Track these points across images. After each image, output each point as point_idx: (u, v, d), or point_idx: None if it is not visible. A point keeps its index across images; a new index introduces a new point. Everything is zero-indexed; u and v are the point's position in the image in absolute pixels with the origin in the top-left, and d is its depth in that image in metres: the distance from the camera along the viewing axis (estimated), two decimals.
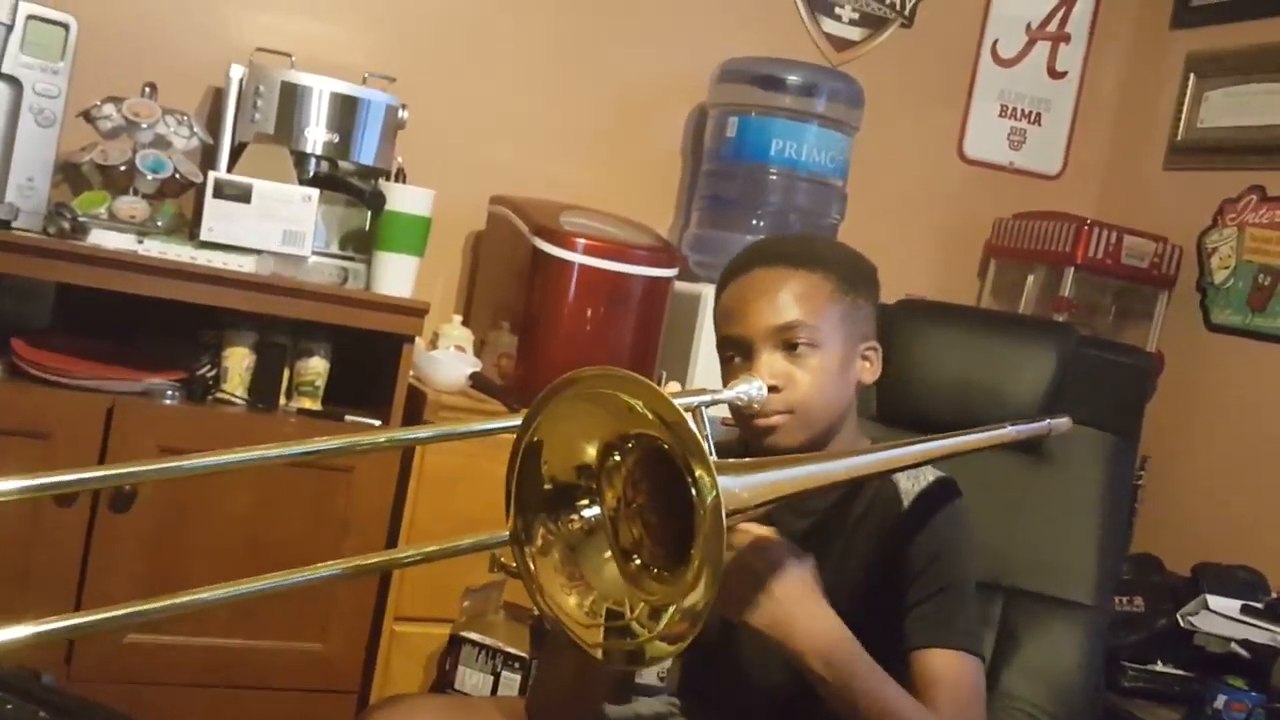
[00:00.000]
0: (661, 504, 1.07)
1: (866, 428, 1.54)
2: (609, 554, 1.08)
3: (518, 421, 1.08)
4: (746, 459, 1.10)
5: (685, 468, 0.99)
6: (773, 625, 1.21)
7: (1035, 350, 1.87)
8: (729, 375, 1.41)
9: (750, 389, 1.30)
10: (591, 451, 1.07)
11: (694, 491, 0.98)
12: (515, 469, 1.08)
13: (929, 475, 1.44)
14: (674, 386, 1.24)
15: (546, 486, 1.08)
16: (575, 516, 1.08)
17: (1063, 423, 1.67)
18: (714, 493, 0.96)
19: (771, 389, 1.35)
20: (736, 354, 1.40)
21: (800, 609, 1.22)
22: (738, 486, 1.06)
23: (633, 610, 1.05)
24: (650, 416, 1.01)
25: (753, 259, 1.43)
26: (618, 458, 1.07)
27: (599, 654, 1.06)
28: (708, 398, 1.21)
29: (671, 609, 1.01)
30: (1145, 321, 3.25)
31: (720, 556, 0.96)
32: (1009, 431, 1.53)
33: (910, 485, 1.42)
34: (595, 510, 1.08)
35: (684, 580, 1.00)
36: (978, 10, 3.37)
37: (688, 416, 0.98)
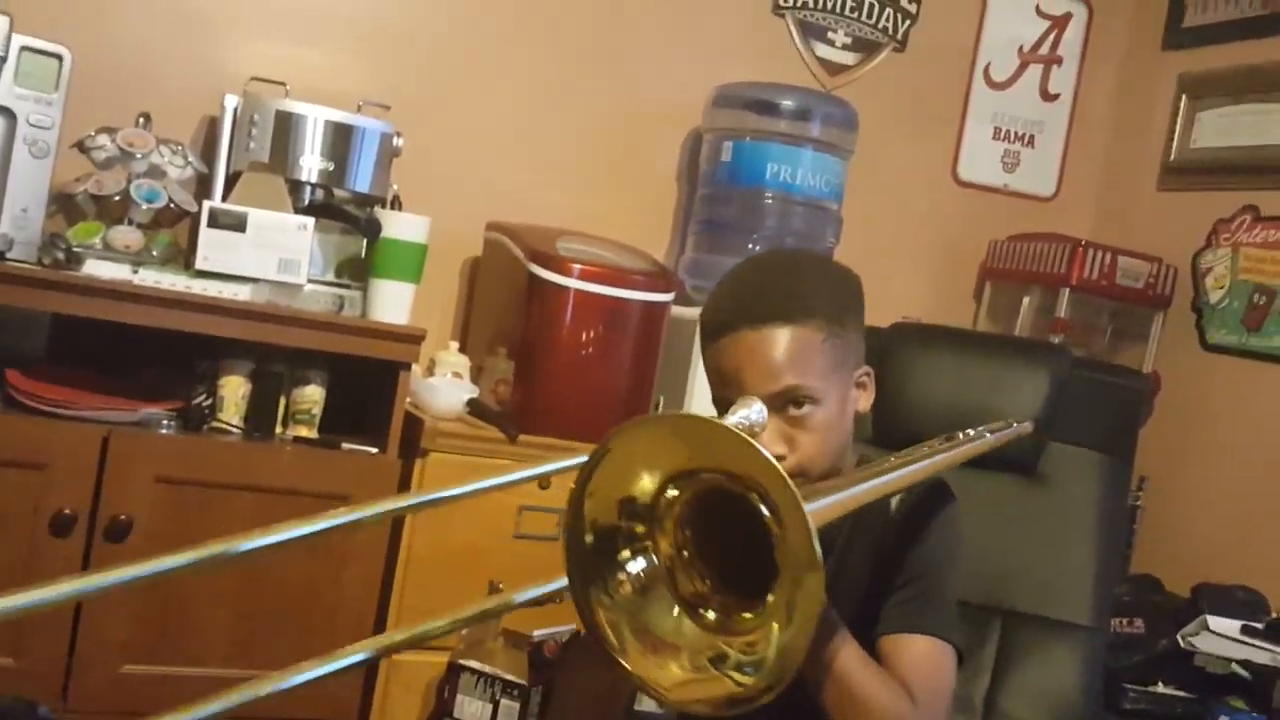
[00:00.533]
0: (712, 548, 1.04)
1: (859, 449, 1.54)
2: (677, 611, 1.04)
3: (528, 473, 1.05)
4: (810, 485, 1.08)
5: (759, 496, 0.97)
6: None
7: (1030, 372, 1.87)
8: None
9: (750, 413, 1.29)
10: (641, 494, 1.04)
11: (771, 518, 0.97)
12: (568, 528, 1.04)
13: (917, 489, 1.44)
14: None
15: (589, 539, 1.04)
16: (625, 579, 1.04)
17: (1024, 426, 1.69)
18: (800, 515, 0.93)
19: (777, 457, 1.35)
20: None
21: None
22: (819, 508, 1.02)
23: (732, 647, 1.01)
24: (703, 453, 1.00)
25: (738, 317, 1.38)
26: (666, 500, 1.04)
27: (767, 696, 0.99)
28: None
29: (774, 636, 0.98)
30: (1141, 342, 3.26)
31: (819, 585, 0.94)
32: (987, 439, 1.54)
33: (898, 498, 1.42)
34: (641, 563, 1.05)
35: (773, 609, 0.98)
36: (970, 34, 3.39)
37: (756, 444, 0.97)
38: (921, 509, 1.41)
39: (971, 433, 1.57)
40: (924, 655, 1.30)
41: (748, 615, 1.01)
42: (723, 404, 1.39)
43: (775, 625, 0.97)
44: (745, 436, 0.99)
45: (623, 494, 1.04)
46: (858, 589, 1.38)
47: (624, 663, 1.02)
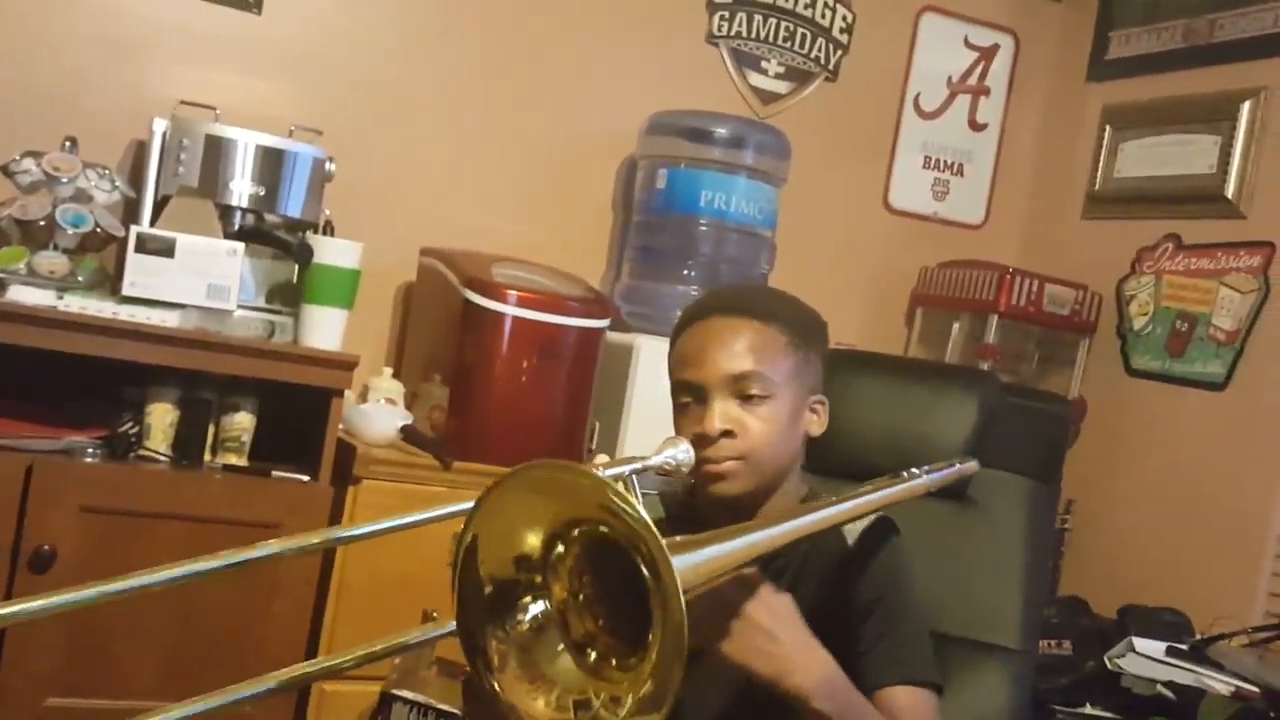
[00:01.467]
0: (611, 590, 1.05)
1: (807, 478, 1.55)
2: (562, 648, 1.05)
3: (460, 506, 1.04)
4: (688, 537, 1.08)
5: (635, 552, 0.97)
6: (770, 664, 1.20)
7: (960, 399, 1.89)
8: (681, 419, 1.43)
9: (678, 453, 1.31)
10: (531, 545, 1.04)
11: (647, 576, 0.96)
12: (456, 576, 1.05)
13: (869, 520, 1.46)
14: (602, 459, 1.24)
15: (488, 589, 1.04)
16: (522, 617, 1.05)
17: (970, 466, 1.71)
18: (671, 577, 0.93)
19: (725, 434, 1.38)
20: (691, 399, 1.42)
21: (798, 648, 1.22)
22: (690, 564, 1.02)
23: (598, 697, 1.02)
24: (590, 502, 1.00)
25: (711, 307, 1.46)
26: (561, 549, 1.04)
27: None
28: (637, 465, 1.20)
29: (630, 699, 0.98)
30: (1068, 367, 3.31)
31: (683, 639, 0.94)
32: (923, 481, 1.55)
33: (853, 524, 1.44)
34: (541, 606, 1.05)
35: (646, 664, 0.97)
36: (900, 64, 3.44)
37: (636, 503, 0.96)
38: (876, 543, 1.43)
39: (915, 471, 1.58)
40: (908, 708, 1.32)
41: (630, 661, 1.01)
42: (681, 388, 1.44)
43: (641, 683, 0.98)
44: (608, 482, 0.99)
45: (514, 552, 1.04)
46: (808, 612, 1.39)
47: (496, 684, 1.03)
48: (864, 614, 1.38)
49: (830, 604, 1.39)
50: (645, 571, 0.97)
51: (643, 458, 1.27)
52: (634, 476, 1.18)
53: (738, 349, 1.40)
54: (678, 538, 1.06)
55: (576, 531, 1.03)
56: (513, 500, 1.03)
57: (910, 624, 1.39)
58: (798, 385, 1.44)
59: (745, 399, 1.39)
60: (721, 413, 1.39)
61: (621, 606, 1.03)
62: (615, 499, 0.97)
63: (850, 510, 1.37)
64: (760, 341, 1.41)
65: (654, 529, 0.95)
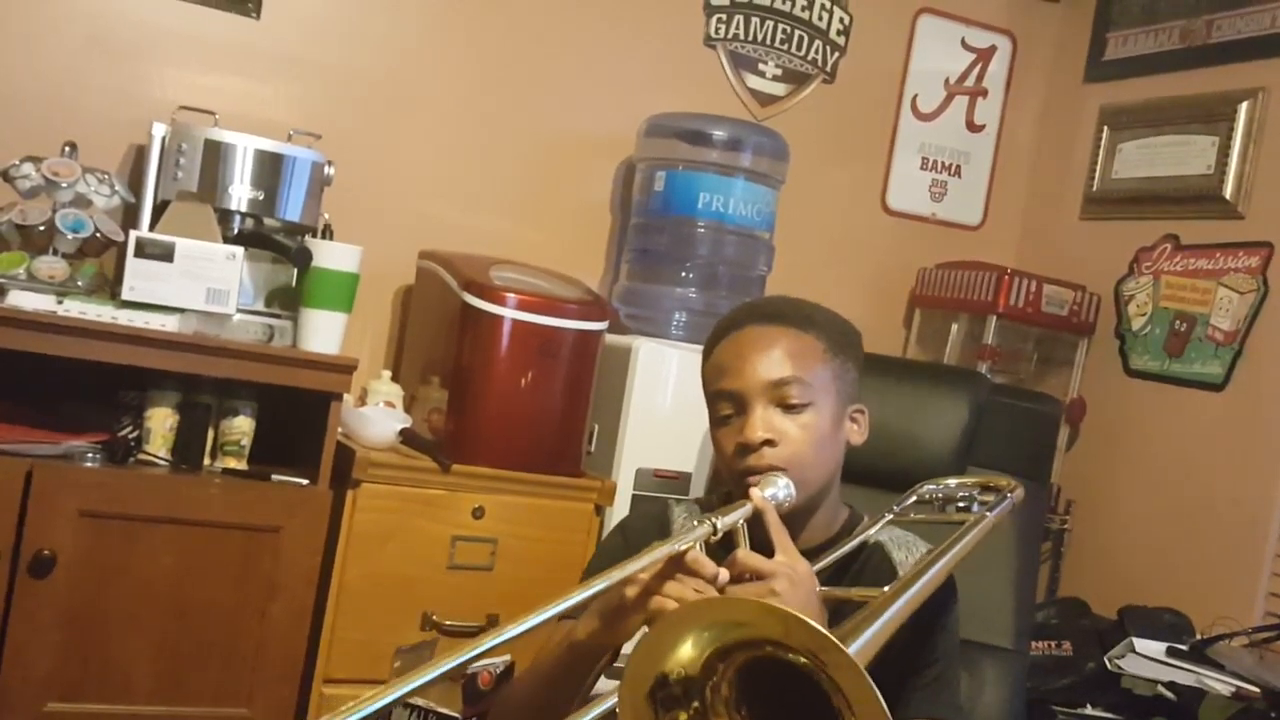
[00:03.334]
0: (767, 708, 1.02)
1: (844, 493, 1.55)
2: None
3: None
4: (846, 624, 1.06)
5: (814, 665, 0.93)
6: None
7: (950, 399, 1.90)
8: (722, 431, 1.42)
9: (778, 490, 1.34)
10: (685, 682, 1.00)
11: (828, 680, 0.93)
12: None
13: (920, 547, 1.46)
14: (755, 502, 1.28)
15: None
16: None
17: (1019, 494, 1.68)
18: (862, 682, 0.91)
19: (766, 442, 1.37)
20: (731, 409, 1.42)
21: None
22: (858, 648, 1.00)
23: None
24: (744, 628, 0.96)
25: (746, 317, 1.46)
26: (714, 682, 1.01)
27: None
28: (748, 509, 1.26)
29: None
30: (1066, 368, 3.31)
31: None
32: (991, 519, 1.53)
33: (904, 557, 1.44)
34: None
35: None
36: (897, 66, 3.45)
37: (842, 649, 0.92)
38: (940, 606, 1.42)
39: (974, 512, 1.58)
40: None
41: None
42: (719, 397, 1.43)
43: None
44: (772, 606, 0.96)
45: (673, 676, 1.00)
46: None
47: None
48: (913, 647, 1.38)
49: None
50: (825, 679, 0.93)
51: (745, 503, 1.29)
52: (744, 523, 1.20)
53: (776, 355, 1.40)
54: (842, 632, 1.02)
55: (726, 664, 0.99)
56: (664, 640, 1.00)
57: (952, 664, 1.41)
58: (836, 393, 1.43)
59: (786, 408, 1.39)
60: (763, 421, 1.38)
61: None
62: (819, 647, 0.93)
63: (954, 557, 1.35)
64: (798, 348, 1.41)
65: (828, 634, 0.91)
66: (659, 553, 1.13)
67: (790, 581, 1.20)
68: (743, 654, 0.99)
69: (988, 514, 1.55)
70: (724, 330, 1.47)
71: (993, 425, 1.88)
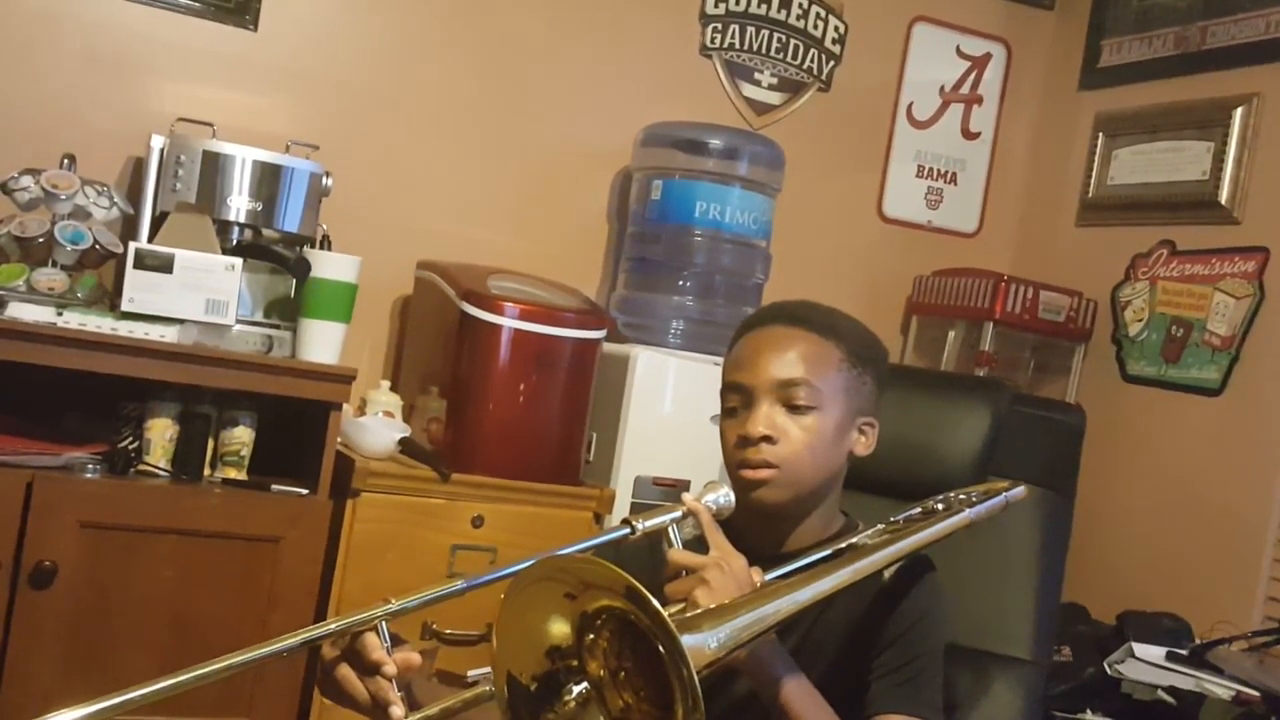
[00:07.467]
0: (645, 663, 1.05)
1: (843, 499, 1.55)
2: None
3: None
4: (711, 611, 1.10)
5: (651, 634, 0.98)
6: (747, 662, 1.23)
7: (970, 409, 1.88)
8: (727, 423, 1.44)
9: (719, 497, 1.34)
10: (561, 634, 1.06)
11: (664, 655, 0.97)
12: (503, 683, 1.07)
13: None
14: (690, 497, 1.31)
15: (532, 686, 1.07)
16: (568, 699, 1.07)
17: (1018, 493, 1.66)
18: (685, 667, 0.95)
19: (764, 438, 1.38)
20: (738, 401, 1.43)
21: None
22: (709, 642, 1.04)
23: None
24: (605, 587, 1.01)
25: (771, 316, 1.49)
26: (593, 633, 1.06)
27: None
28: (678, 514, 1.27)
29: None
30: (1063, 374, 3.32)
31: (701, 707, 0.95)
32: (967, 515, 1.52)
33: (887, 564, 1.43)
34: (583, 685, 1.07)
35: None
36: (892, 74, 3.46)
37: (649, 600, 0.97)
38: (912, 578, 1.43)
39: (958, 497, 1.56)
40: None
41: None
42: (729, 389, 1.45)
43: None
44: (609, 566, 1.00)
45: (544, 646, 1.06)
46: (832, 644, 1.40)
47: None
48: (890, 643, 1.38)
49: (861, 633, 1.40)
50: (663, 654, 0.97)
51: (684, 506, 1.30)
52: (675, 526, 1.22)
53: (790, 356, 1.42)
54: (700, 611, 1.09)
55: (602, 610, 1.04)
56: (529, 600, 1.05)
57: (925, 661, 1.39)
58: (846, 402, 1.44)
59: (791, 408, 1.40)
60: (765, 417, 1.39)
61: (655, 676, 1.03)
62: (610, 575, 0.98)
63: (885, 558, 1.35)
64: (814, 352, 1.42)
65: (659, 609, 0.96)
66: (346, 622, 1.22)
67: (721, 571, 1.22)
68: (609, 619, 1.04)
69: (972, 508, 1.54)
70: (749, 326, 1.50)
71: (1014, 436, 1.85)
